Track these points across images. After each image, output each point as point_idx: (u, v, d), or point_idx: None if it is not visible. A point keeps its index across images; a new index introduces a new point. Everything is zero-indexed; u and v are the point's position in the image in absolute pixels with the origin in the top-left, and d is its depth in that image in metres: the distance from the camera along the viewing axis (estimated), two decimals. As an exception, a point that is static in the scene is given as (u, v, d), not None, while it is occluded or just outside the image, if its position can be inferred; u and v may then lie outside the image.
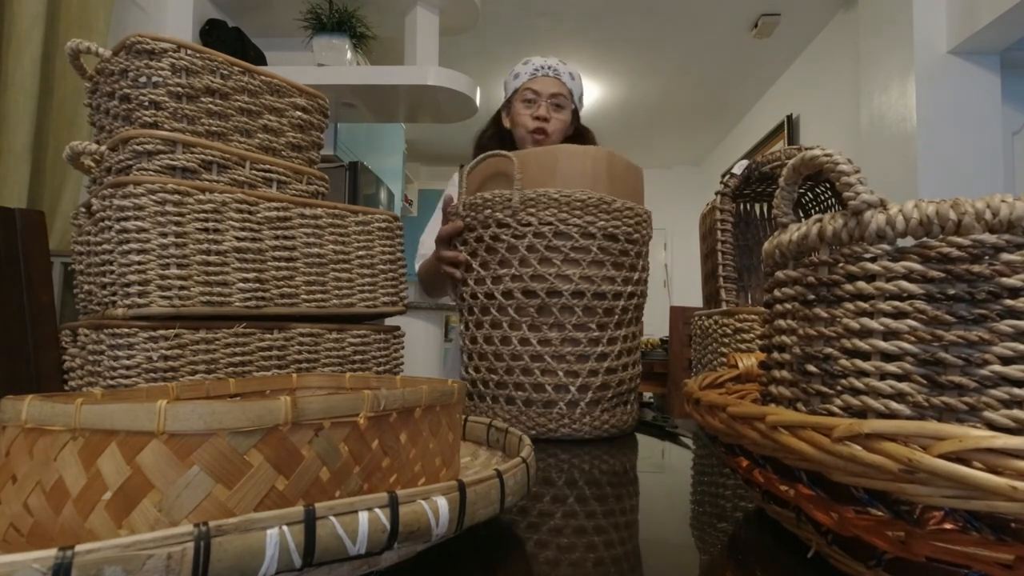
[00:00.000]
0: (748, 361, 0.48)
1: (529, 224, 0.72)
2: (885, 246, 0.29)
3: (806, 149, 0.46)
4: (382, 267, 0.78)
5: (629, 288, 0.76)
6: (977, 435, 0.21)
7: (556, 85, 1.40)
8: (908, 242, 0.28)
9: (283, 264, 0.68)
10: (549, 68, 1.40)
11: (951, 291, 0.27)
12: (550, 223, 0.71)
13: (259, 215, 0.66)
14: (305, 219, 0.70)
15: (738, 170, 0.92)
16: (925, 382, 0.27)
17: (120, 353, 0.57)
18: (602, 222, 0.72)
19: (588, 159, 0.75)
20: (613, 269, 0.74)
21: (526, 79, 1.40)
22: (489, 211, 0.75)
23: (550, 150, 0.76)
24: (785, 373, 0.35)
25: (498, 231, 0.74)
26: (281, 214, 0.68)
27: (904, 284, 0.28)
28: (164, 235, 0.59)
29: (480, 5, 2.58)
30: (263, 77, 0.72)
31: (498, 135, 1.46)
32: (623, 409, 0.76)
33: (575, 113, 1.45)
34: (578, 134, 1.48)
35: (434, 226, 1.39)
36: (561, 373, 0.71)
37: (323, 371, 0.71)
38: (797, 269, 0.34)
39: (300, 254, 0.70)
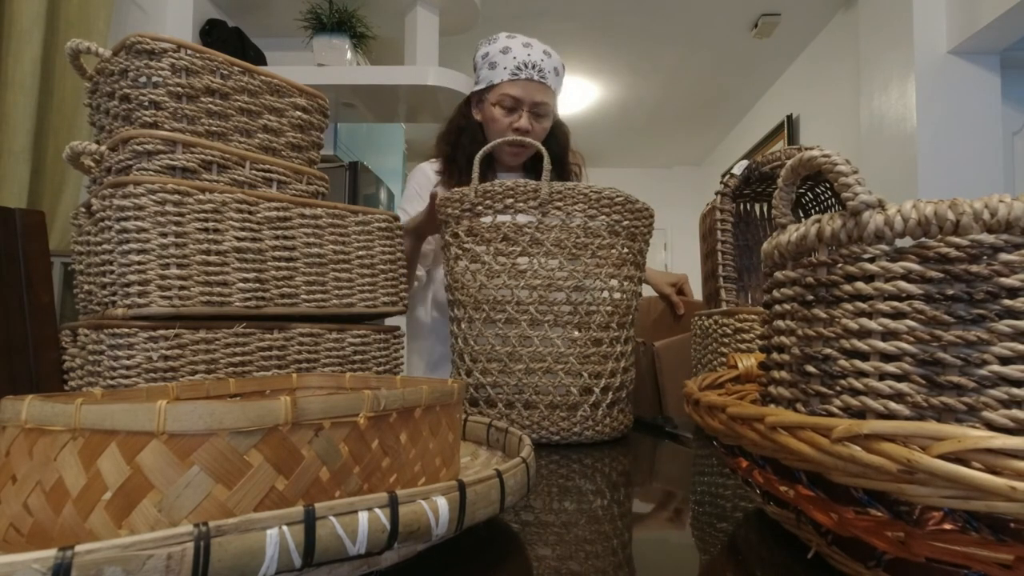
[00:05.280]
0: (748, 361, 0.48)
1: (556, 218, 0.68)
2: (883, 246, 0.29)
3: (806, 149, 0.46)
4: (382, 267, 0.78)
5: (639, 288, 0.77)
6: (976, 435, 0.21)
7: (540, 92, 1.15)
8: (907, 242, 0.28)
9: (283, 264, 0.68)
10: (534, 69, 1.13)
11: (949, 291, 0.27)
12: (579, 219, 0.69)
13: (259, 215, 0.66)
14: (305, 219, 0.70)
15: (738, 170, 0.92)
16: (924, 382, 0.27)
17: (120, 353, 0.57)
18: (627, 221, 0.72)
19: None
20: (633, 268, 0.74)
21: (506, 78, 1.14)
22: (511, 200, 0.68)
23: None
24: (784, 374, 0.35)
25: (520, 223, 0.69)
26: (281, 214, 0.68)
27: (903, 284, 0.28)
28: (164, 235, 0.59)
29: (480, 5, 2.58)
30: (263, 77, 0.72)
31: (469, 130, 1.24)
32: (626, 409, 0.77)
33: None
34: (551, 136, 1.25)
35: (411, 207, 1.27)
36: (586, 375, 0.69)
37: (323, 371, 0.71)
38: (796, 270, 0.34)
39: (300, 254, 0.70)
